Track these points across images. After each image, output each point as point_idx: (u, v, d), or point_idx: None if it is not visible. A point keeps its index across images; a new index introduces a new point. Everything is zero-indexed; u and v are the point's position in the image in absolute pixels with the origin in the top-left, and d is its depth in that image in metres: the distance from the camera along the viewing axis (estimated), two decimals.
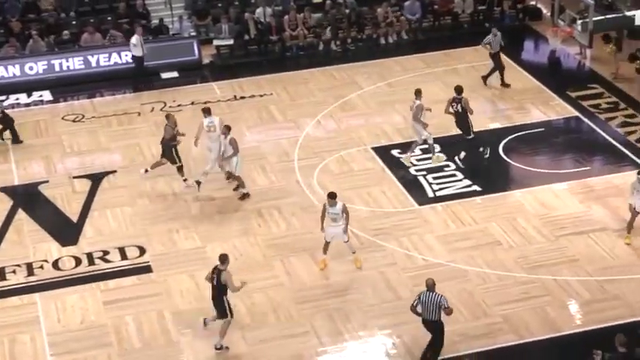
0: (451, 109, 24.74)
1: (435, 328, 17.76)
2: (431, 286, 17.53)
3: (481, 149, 25.01)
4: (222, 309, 18.60)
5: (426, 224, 22.46)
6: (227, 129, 23.23)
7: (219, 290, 18.43)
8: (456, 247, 21.55)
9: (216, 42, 32.06)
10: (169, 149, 24.03)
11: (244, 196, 23.60)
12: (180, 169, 24.24)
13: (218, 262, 18.51)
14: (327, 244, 20.72)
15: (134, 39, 29.87)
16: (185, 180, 24.28)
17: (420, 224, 22.44)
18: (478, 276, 20.54)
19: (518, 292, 19.93)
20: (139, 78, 30.26)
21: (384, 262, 21.11)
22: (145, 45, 30.84)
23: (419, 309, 17.68)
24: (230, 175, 23.63)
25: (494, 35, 28.16)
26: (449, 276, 20.51)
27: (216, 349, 18.67)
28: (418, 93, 24.51)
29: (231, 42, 31.88)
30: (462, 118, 24.67)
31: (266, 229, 22.49)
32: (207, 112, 24.28)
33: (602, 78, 29.52)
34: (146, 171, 24.51)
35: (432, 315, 17.55)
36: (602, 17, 26.53)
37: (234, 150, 23.03)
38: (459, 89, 24.85)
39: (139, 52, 30.04)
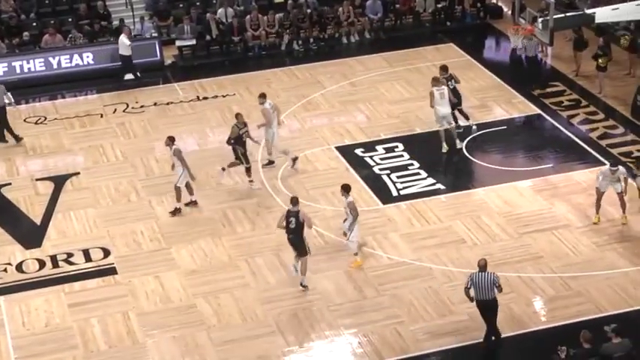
0: (449, 86, 25.36)
1: (494, 305, 18.02)
2: (483, 266, 17.83)
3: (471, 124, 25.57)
4: (302, 247, 19.98)
5: (391, 223, 22.51)
6: (170, 140, 22.85)
7: (297, 230, 19.79)
8: (421, 245, 21.62)
9: (178, 43, 31.94)
10: (234, 150, 23.71)
11: (175, 212, 22.95)
12: (248, 170, 23.93)
13: (290, 206, 19.96)
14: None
15: (125, 39, 29.87)
16: (251, 182, 23.94)
17: (384, 223, 22.48)
18: (443, 274, 20.61)
19: None
20: (126, 76, 30.35)
21: (349, 261, 21.11)
22: (106, 47, 30.75)
23: (471, 292, 17.90)
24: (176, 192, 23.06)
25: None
26: (414, 274, 20.58)
27: (302, 286, 20.04)
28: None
29: (193, 42, 31.77)
30: (457, 91, 25.65)
31: (231, 230, 22.45)
32: (262, 96, 24.60)
33: (564, 76, 29.75)
34: (223, 169, 24.20)
35: (487, 294, 17.82)
36: (563, 15, 26.66)
37: (181, 162, 22.75)
38: (445, 67, 25.85)
39: (128, 52, 30.05)
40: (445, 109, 25.06)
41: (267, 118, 24.35)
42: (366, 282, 20.41)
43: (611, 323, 17.12)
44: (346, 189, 20.85)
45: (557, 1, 29.28)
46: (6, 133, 26.65)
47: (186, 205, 23.13)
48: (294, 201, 20.08)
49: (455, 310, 19.49)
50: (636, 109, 26.98)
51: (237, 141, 23.64)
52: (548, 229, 22.05)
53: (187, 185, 23.06)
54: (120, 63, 30.37)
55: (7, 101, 26.60)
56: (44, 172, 25.12)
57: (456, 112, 25.90)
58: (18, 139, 26.65)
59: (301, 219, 19.87)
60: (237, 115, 24.03)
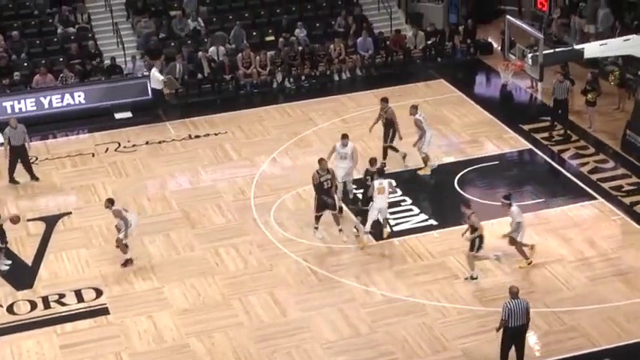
0: (383, 117, 25.88)
1: (524, 331, 18.22)
2: (516, 293, 18.00)
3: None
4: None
5: (384, 259, 22.49)
6: (109, 202, 22.49)
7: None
8: (414, 281, 21.59)
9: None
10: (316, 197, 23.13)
11: (127, 263, 22.62)
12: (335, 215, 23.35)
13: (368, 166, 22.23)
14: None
15: (157, 73, 30.21)
16: (340, 230, 23.32)
17: (377, 259, 22.46)
18: (437, 310, 20.57)
19: (476, 325, 19.98)
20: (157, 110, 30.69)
21: (342, 298, 21.08)
22: (98, 86, 30.84)
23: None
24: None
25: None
26: (407, 310, 20.54)
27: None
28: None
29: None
30: (388, 126, 25.85)
31: (224, 268, 22.40)
32: (344, 137, 24.50)
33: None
34: (340, 230, 23.43)
35: (520, 320, 17.98)
36: (552, 51, 26.85)
37: (124, 221, 22.36)
38: (386, 99, 26.15)
39: (160, 85, 30.34)
40: (431, 130, 26.13)
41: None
42: (359, 319, 20.35)
43: (604, 357, 17.11)
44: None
45: (546, 37, 29.55)
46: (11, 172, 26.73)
47: (123, 265, 22.57)
48: (373, 161, 22.90)
49: (449, 346, 19.43)
50: (626, 144, 27.09)
51: (318, 188, 22.92)
52: (540, 263, 22.04)
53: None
54: (150, 96, 30.90)
55: (27, 142, 26.69)
56: (35, 213, 25.06)
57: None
58: (34, 177, 26.73)
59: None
60: (320, 161, 23.19)
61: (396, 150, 26.41)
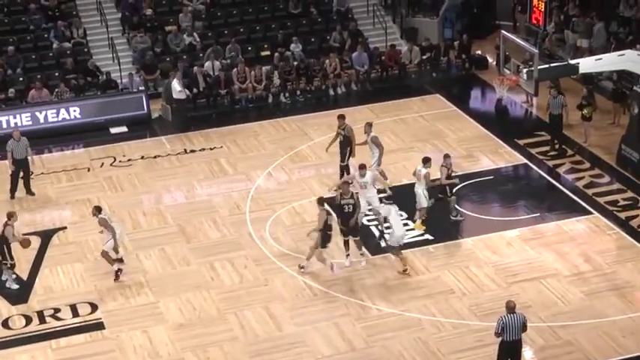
0: (341, 135, 25.86)
1: (520, 346, 18.14)
2: (513, 307, 17.91)
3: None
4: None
5: (379, 274, 22.46)
6: (97, 210, 22.48)
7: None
8: (410, 296, 21.57)
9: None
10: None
11: (117, 274, 22.45)
12: (344, 243, 22.74)
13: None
14: None
15: (177, 84, 30.28)
16: (362, 254, 22.82)
17: (373, 274, 22.43)
18: (432, 325, 20.55)
19: (472, 340, 19.95)
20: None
21: (337, 312, 21.05)
22: (93, 100, 30.86)
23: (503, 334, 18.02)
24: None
25: None
26: (403, 325, 20.51)
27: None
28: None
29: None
30: (345, 144, 25.73)
31: (219, 283, 22.37)
32: (362, 167, 23.85)
33: (549, 125, 29.87)
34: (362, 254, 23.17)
35: (516, 335, 17.89)
36: (547, 66, 26.92)
37: (109, 230, 22.32)
38: (342, 116, 26.11)
39: (182, 95, 30.45)
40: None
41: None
42: (354, 333, 20.32)
43: None
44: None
45: (541, 52, 29.63)
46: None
47: (115, 279, 22.48)
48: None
49: None
50: (621, 158, 27.13)
51: (338, 211, 22.44)
52: (536, 278, 22.05)
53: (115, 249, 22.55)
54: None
55: (30, 155, 26.77)
56: (31, 227, 25.01)
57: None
58: (31, 192, 26.72)
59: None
60: (342, 185, 22.98)
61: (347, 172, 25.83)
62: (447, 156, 24.49)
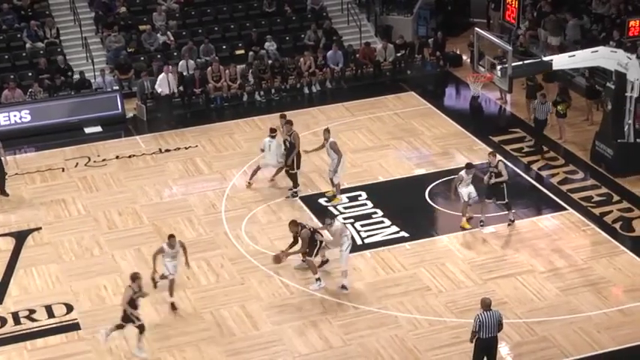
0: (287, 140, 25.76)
1: (496, 343, 18.18)
2: (488, 305, 17.92)
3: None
4: None
5: (355, 271, 22.48)
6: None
7: None
8: (386, 293, 21.60)
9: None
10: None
11: None
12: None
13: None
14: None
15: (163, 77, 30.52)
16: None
17: (349, 272, 22.43)
18: (409, 322, 20.59)
19: (449, 337, 20.01)
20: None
21: (314, 311, 21.06)
22: (67, 100, 30.69)
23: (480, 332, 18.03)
24: None
25: None
26: (380, 323, 20.55)
27: None
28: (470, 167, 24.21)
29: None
30: (291, 150, 25.51)
31: (195, 282, 22.32)
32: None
33: (523, 122, 30.03)
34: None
35: (492, 332, 17.93)
36: (521, 63, 27.02)
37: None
38: (289, 121, 25.96)
39: (165, 90, 30.62)
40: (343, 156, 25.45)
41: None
42: (331, 331, 20.34)
43: None
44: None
45: (515, 49, 29.74)
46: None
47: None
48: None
49: (421, 357, 19.46)
50: (595, 155, 27.27)
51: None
52: (512, 274, 22.14)
53: None
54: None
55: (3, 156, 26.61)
56: (5, 228, 24.88)
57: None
58: (5, 193, 26.54)
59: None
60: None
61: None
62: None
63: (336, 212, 24.88)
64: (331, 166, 25.41)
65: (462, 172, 23.81)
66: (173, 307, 21.20)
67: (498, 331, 18.16)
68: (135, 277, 19.46)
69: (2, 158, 26.48)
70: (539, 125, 28.31)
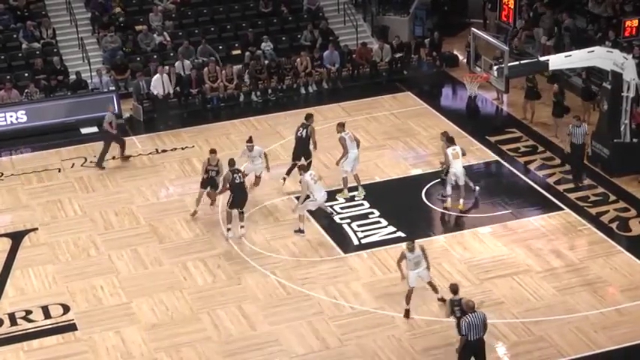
0: (298, 134, 25.98)
1: (483, 344, 18.13)
2: (473, 307, 17.95)
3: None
4: None
5: (352, 272, 22.49)
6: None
7: None
8: (383, 293, 21.59)
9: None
10: None
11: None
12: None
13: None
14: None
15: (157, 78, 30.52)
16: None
17: (346, 272, 22.45)
18: (406, 322, 20.58)
19: (446, 337, 19.99)
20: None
21: (311, 311, 21.06)
22: (63, 101, 30.65)
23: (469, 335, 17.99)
24: None
25: None
26: (377, 323, 20.55)
27: None
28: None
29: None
30: (304, 144, 25.85)
31: (192, 282, 22.31)
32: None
33: (520, 122, 30.04)
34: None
35: (479, 333, 17.92)
36: (517, 63, 27.03)
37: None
38: (308, 116, 26.18)
39: (160, 91, 30.59)
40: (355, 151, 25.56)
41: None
42: (328, 332, 20.33)
43: None
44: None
45: (511, 49, 29.77)
46: None
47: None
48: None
49: (418, 358, 19.46)
50: (592, 154, 27.25)
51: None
52: (508, 274, 22.15)
53: None
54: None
55: None
56: (1, 229, 24.86)
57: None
58: None
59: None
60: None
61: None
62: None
63: (333, 212, 24.89)
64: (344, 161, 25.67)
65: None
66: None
67: (483, 333, 18.11)
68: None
69: None
70: (577, 151, 26.24)
